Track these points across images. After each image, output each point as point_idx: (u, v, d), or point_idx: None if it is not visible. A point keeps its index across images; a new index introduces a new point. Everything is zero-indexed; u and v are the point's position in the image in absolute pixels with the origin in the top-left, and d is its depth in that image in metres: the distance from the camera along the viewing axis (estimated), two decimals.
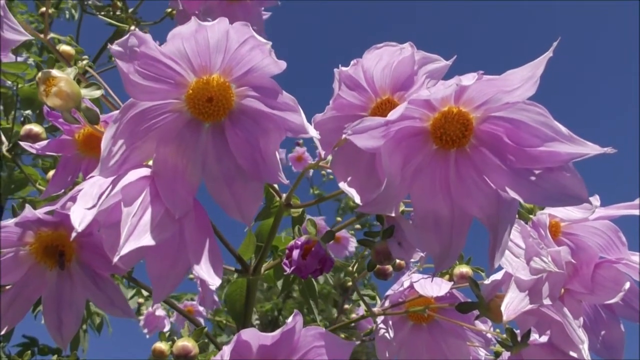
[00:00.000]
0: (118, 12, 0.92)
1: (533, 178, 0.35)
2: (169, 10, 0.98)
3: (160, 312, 1.69)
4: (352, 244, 1.74)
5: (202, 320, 1.60)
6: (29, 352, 0.68)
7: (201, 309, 1.62)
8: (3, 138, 0.70)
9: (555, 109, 0.34)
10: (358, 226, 1.81)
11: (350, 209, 1.97)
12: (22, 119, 0.83)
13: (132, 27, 0.90)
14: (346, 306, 1.54)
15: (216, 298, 1.68)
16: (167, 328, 1.70)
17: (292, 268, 0.41)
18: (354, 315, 1.48)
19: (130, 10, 0.94)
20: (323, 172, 1.94)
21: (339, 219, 1.81)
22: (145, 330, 1.73)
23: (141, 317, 1.74)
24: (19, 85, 0.78)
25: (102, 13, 0.91)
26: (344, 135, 0.34)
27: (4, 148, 0.69)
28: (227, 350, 0.35)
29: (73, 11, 1.37)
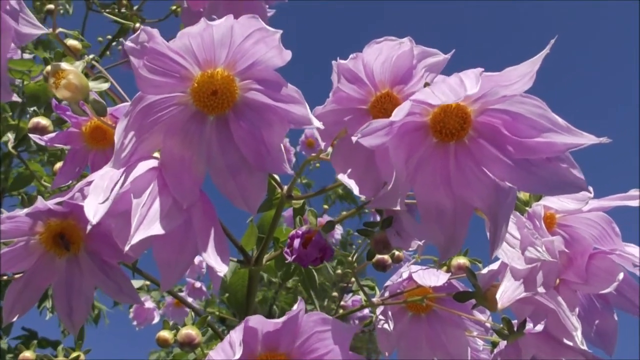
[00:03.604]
0: (123, 10, 0.93)
1: (531, 168, 0.36)
2: (174, 7, 0.98)
3: (149, 304, 1.67)
4: (337, 232, 1.76)
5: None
6: (35, 342, 0.69)
7: (190, 300, 1.62)
8: (9, 135, 0.70)
9: (555, 102, 0.35)
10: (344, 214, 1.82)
11: (339, 197, 1.98)
12: (28, 115, 0.83)
13: (137, 25, 0.90)
14: (343, 302, 1.55)
15: (204, 289, 1.68)
16: (156, 320, 1.69)
17: (293, 257, 0.42)
18: (343, 303, 1.50)
19: (135, 7, 0.94)
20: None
21: (325, 206, 1.83)
22: (135, 323, 1.72)
23: (131, 310, 1.72)
24: (25, 82, 0.78)
25: (107, 10, 0.92)
26: (354, 139, 0.35)
27: (10, 145, 0.70)
28: (236, 337, 0.36)
29: (67, 6, 1.37)
